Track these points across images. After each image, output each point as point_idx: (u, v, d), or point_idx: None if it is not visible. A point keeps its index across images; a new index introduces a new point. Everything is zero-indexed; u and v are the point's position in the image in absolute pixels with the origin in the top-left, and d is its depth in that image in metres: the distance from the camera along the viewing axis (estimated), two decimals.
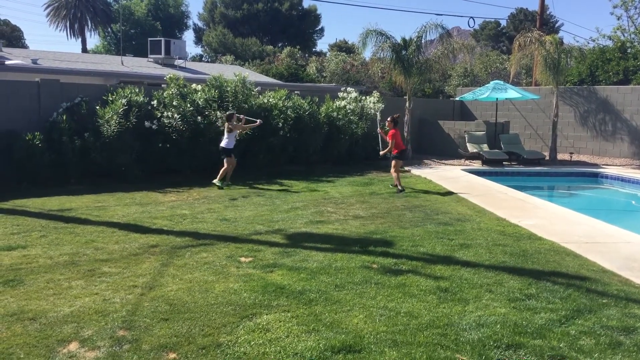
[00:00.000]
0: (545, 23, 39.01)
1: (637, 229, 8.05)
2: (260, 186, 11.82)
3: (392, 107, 17.91)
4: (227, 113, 12.26)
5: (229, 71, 19.70)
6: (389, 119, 11.97)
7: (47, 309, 4.69)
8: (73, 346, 4.04)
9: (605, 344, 4.19)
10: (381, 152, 12.56)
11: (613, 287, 5.46)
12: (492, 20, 61.57)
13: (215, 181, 11.64)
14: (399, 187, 11.43)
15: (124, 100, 11.96)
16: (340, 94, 16.49)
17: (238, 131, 12.15)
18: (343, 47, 48.93)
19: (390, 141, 11.78)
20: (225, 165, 11.77)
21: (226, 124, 11.89)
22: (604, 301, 5.07)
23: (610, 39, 27.22)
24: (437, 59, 18.11)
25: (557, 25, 53.64)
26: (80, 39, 49.65)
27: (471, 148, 17.69)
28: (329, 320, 4.54)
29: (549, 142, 18.64)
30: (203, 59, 53.18)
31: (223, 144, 11.85)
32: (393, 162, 11.79)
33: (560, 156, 18.66)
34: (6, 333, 4.22)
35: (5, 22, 55.27)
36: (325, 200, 10.29)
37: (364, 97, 16.87)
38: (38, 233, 7.30)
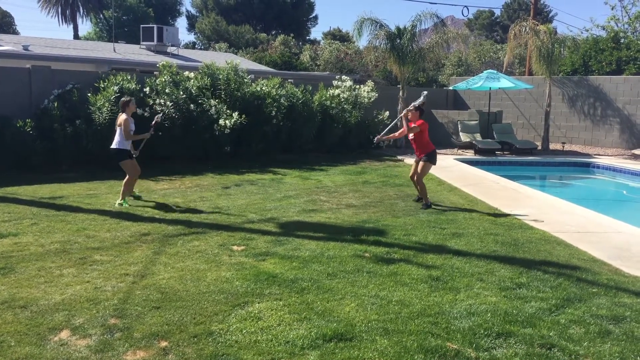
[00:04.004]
0: (539, 12, 39.00)
1: (628, 218, 8.10)
2: (253, 175, 11.80)
3: (386, 96, 17.90)
4: (122, 99, 8.98)
5: (222, 59, 19.58)
6: (411, 107, 9.01)
7: (38, 297, 4.68)
8: (64, 334, 4.03)
9: (594, 332, 4.22)
10: (383, 137, 9.54)
11: (603, 277, 5.49)
12: (486, 9, 61.59)
13: (117, 202, 8.45)
14: (425, 201, 8.80)
15: (115, 88, 11.88)
16: (335, 83, 16.43)
17: (132, 137, 8.73)
18: (337, 36, 48.78)
19: (413, 125, 8.85)
20: (127, 176, 8.60)
21: (120, 115, 8.69)
22: (594, 290, 5.11)
23: (603, 29, 27.20)
24: (431, 48, 18.08)
25: (551, 14, 53.65)
26: (71, 26, 49.18)
27: (464, 137, 17.70)
28: (321, 308, 4.55)
29: (542, 131, 18.67)
30: (196, 46, 52.85)
31: (114, 143, 8.64)
32: (421, 165, 8.86)
33: (552, 146, 18.71)
34: None
35: None
36: (318, 189, 10.28)
37: (358, 86, 16.83)
38: (29, 221, 7.26)
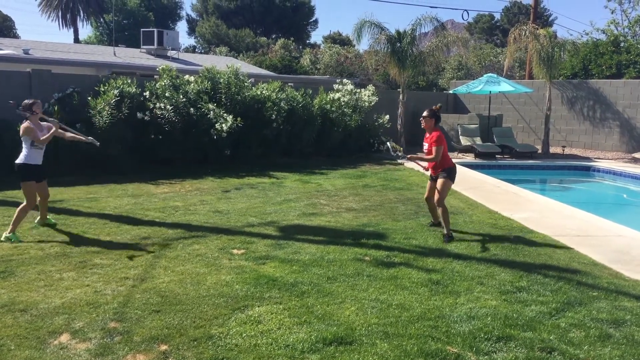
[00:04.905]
0: (539, 16, 39.04)
1: (628, 222, 8.10)
2: (253, 178, 11.80)
3: (386, 100, 17.92)
4: (24, 102, 6.94)
5: (222, 62, 19.64)
6: (425, 113, 7.44)
7: (38, 301, 4.67)
8: (64, 338, 4.03)
9: (595, 336, 4.22)
10: (426, 166, 7.82)
11: (603, 280, 5.49)
12: (486, 13, 61.61)
13: (4, 235, 6.56)
14: (447, 232, 7.01)
15: (116, 91, 11.88)
16: (336, 86, 16.44)
17: (44, 137, 6.82)
18: (337, 39, 48.85)
19: (435, 148, 7.12)
20: (25, 201, 6.83)
21: (25, 123, 6.82)
22: (594, 294, 5.10)
23: (603, 33, 27.28)
24: (431, 52, 18.10)
25: (551, 18, 53.70)
26: (72, 29, 49.24)
27: (464, 141, 17.72)
28: (321, 312, 4.55)
29: (542, 135, 18.69)
30: (196, 50, 52.95)
31: (19, 157, 6.88)
32: (440, 183, 7.20)
33: (552, 149, 18.73)
34: None
35: None
36: (318, 192, 10.28)
37: (358, 90, 16.84)
38: (29, 224, 7.26)
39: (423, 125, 7.41)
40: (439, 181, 7.23)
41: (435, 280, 5.36)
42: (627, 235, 7.43)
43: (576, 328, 4.36)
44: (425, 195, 7.67)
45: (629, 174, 14.41)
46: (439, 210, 7.18)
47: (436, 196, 7.23)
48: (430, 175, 7.51)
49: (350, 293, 5.00)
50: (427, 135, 7.33)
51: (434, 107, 7.53)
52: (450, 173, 7.26)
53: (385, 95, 18.97)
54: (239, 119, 12.81)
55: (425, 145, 7.32)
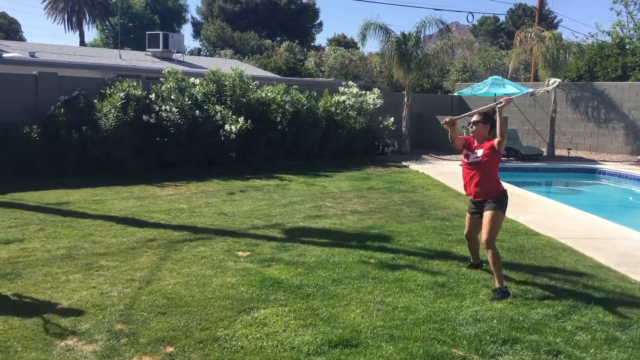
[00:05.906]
0: (544, 19, 38.98)
1: (634, 225, 8.08)
2: (258, 180, 11.81)
3: (391, 103, 17.91)
4: None
5: (227, 65, 19.67)
6: (476, 117, 5.51)
7: (45, 302, 4.69)
8: (70, 339, 4.04)
9: (601, 339, 4.21)
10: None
11: (609, 283, 5.48)
12: (491, 15, 61.58)
13: None
14: (499, 284, 5.14)
15: (122, 94, 11.92)
16: (342, 89, 16.46)
17: None
18: (342, 42, 48.96)
19: (476, 155, 5.54)
20: None
21: None
22: (600, 297, 5.09)
23: (609, 35, 27.18)
24: (436, 54, 18.10)
25: (556, 20, 53.63)
26: (78, 32, 49.44)
27: None
28: (326, 314, 4.55)
29: (547, 137, 18.65)
30: (201, 52, 53.08)
31: None
32: (489, 217, 5.35)
33: (558, 152, 18.68)
34: (3, 326, 4.22)
35: (2, 14, 55.06)
36: (323, 194, 10.29)
37: (363, 92, 16.84)
38: (36, 226, 7.29)
39: (472, 131, 5.52)
40: (488, 213, 5.34)
41: (440, 283, 5.36)
42: (632, 237, 7.40)
43: (582, 331, 4.35)
44: (466, 232, 5.84)
45: (634, 176, 14.35)
46: (488, 254, 5.27)
47: (484, 235, 5.29)
48: (470, 206, 5.73)
49: (356, 295, 5.01)
50: (475, 143, 5.54)
51: (494, 106, 5.32)
52: (502, 202, 5.43)
53: (390, 97, 18.95)
54: (249, 120, 12.85)
55: (479, 152, 5.47)
